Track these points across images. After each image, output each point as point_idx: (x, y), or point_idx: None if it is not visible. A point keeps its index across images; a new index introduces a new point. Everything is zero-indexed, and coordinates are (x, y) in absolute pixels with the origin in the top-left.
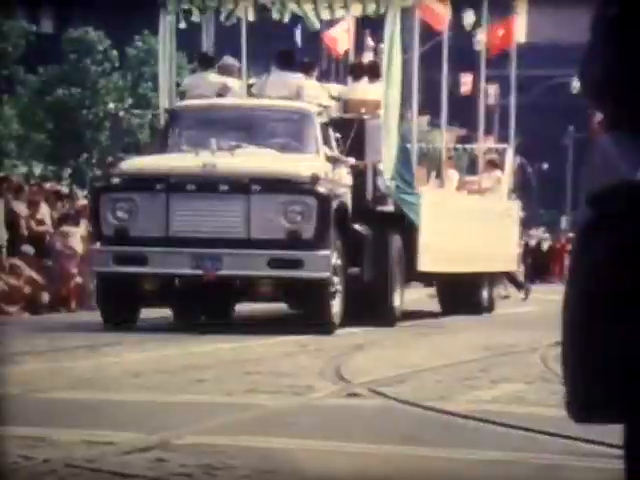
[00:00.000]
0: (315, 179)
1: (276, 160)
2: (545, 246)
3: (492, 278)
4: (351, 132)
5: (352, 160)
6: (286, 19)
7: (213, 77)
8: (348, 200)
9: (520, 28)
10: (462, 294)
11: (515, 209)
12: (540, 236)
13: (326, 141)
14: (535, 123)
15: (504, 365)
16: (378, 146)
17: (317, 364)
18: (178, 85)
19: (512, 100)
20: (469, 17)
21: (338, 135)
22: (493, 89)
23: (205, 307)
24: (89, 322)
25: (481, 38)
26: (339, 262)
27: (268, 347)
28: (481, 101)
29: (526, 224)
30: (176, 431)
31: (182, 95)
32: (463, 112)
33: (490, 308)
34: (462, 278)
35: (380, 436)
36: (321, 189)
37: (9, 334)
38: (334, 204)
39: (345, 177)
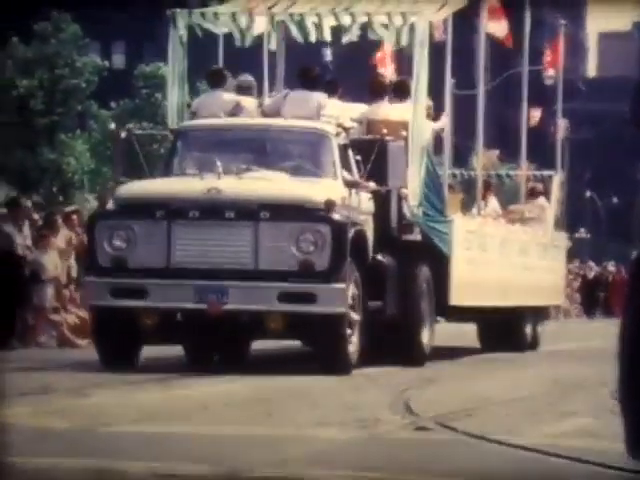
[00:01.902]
0: (330, 205)
1: (288, 184)
2: (610, 279)
3: (536, 312)
4: (372, 155)
5: (373, 185)
6: (312, 38)
7: (226, 96)
8: (369, 228)
9: (591, 62)
10: (502, 329)
11: (562, 240)
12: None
13: (345, 164)
14: (605, 157)
15: (572, 399)
16: (401, 170)
17: (385, 397)
18: (189, 106)
19: (559, 124)
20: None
21: (358, 158)
22: (562, 123)
23: (215, 345)
24: (158, 355)
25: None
26: (357, 296)
27: (336, 380)
28: (523, 126)
29: (593, 257)
30: (245, 464)
31: (193, 116)
32: (531, 146)
33: (534, 344)
34: (501, 312)
35: (448, 470)
36: (336, 216)
37: (78, 367)
38: (351, 232)
39: (366, 203)
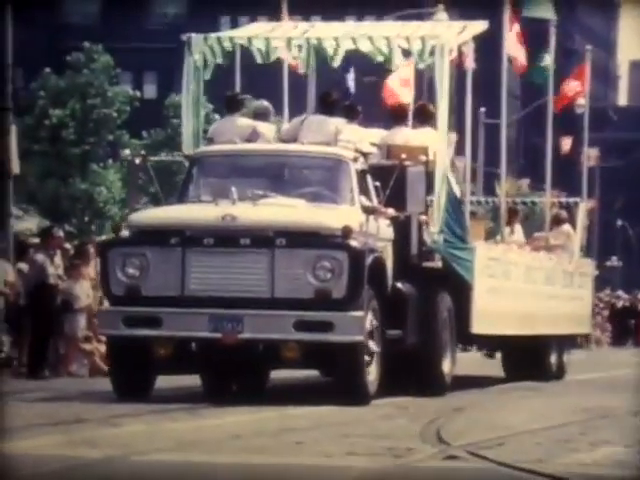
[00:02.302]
0: (347, 232)
1: (304, 211)
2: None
3: (561, 341)
4: (391, 180)
5: (392, 211)
6: (337, 62)
7: (242, 121)
8: (388, 255)
9: (622, 91)
10: (527, 359)
11: (588, 267)
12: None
13: (363, 190)
14: (636, 185)
15: (603, 428)
16: (421, 195)
17: (416, 426)
18: (205, 132)
19: (585, 152)
20: (546, 60)
21: (377, 184)
22: (594, 152)
23: (232, 374)
24: (189, 384)
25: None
26: (375, 324)
27: (366, 409)
28: (548, 154)
29: (625, 285)
30: None
31: (209, 142)
32: (562, 174)
33: (560, 374)
34: (525, 341)
35: None
36: (354, 243)
37: (109, 396)
38: (369, 259)
39: (384, 230)
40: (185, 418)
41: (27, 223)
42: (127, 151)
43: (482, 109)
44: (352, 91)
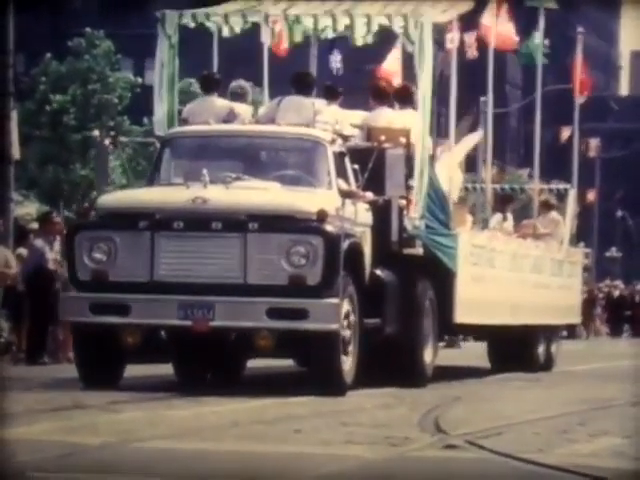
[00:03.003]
0: (322, 216)
1: (279, 194)
2: (638, 299)
3: (550, 332)
4: (369, 163)
5: (371, 195)
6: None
7: (218, 102)
8: (366, 241)
9: (623, 81)
10: (513, 349)
11: (578, 255)
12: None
13: (341, 173)
14: (637, 176)
15: (602, 419)
16: (400, 179)
17: (414, 416)
18: (180, 112)
19: (575, 136)
20: (535, 38)
21: (356, 167)
22: (594, 142)
23: (205, 363)
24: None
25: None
26: (352, 312)
27: (364, 398)
28: (537, 139)
29: (624, 276)
30: None
31: (184, 122)
32: (561, 164)
33: (548, 365)
34: (511, 331)
35: None
36: (329, 227)
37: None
38: (345, 245)
39: (363, 215)
40: (184, 406)
41: (27, 208)
42: (96, 132)
43: (483, 98)
44: (336, 72)
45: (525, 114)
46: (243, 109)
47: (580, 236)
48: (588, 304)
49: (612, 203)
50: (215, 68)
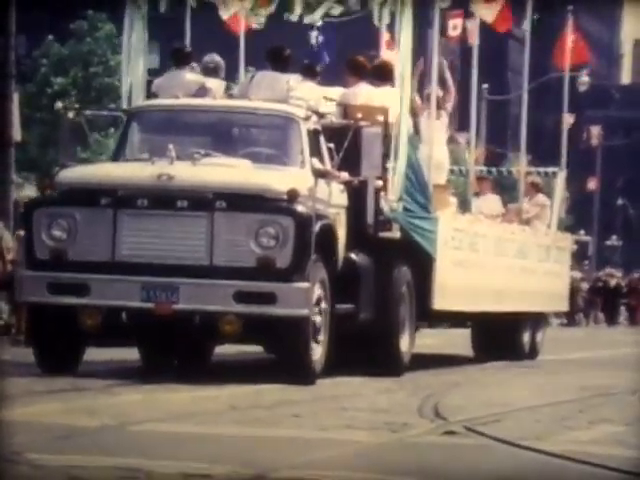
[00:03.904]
0: (293, 195)
1: (248, 172)
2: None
3: (536, 319)
4: (345, 141)
5: (346, 175)
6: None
7: (189, 76)
8: (340, 223)
9: (625, 69)
10: (497, 337)
11: (566, 241)
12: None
13: (315, 152)
14: (638, 164)
15: (602, 406)
16: (377, 158)
17: (414, 401)
18: (149, 85)
19: (565, 127)
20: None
21: (331, 145)
22: (596, 130)
23: (169, 348)
24: None
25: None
26: (324, 297)
27: (364, 383)
28: (523, 118)
29: (624, 264)
30: (272, 465)
31: (153, 97)
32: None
33: (533, 354)
34: (495, 319)
35: (476, 475)
36: (300, 207)
37: (108, 365)
38: (317, 226)
39: (337, 195)
40: (183, 389)
41: (28, 191)
42: (59, 104)
43: (485, 85)
44: (316, 50)
45: (528, 101)
46: (215, 84)
47: (581, 224)
48: (589, 293)
49: (613, 191)
50: (188, 41)
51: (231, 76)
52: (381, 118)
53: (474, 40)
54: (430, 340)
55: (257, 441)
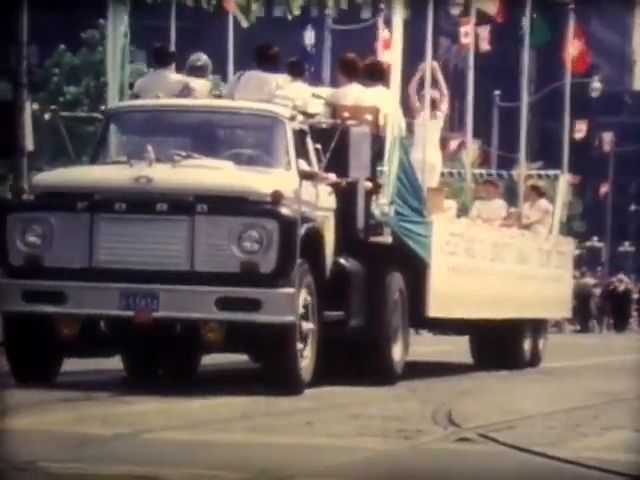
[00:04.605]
0: (277, 197)
1: (230, 174)
2: None
3: (537, 326)
4: (332, 142)
5: (333, 177)
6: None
7: (173, 76)
8: (328, 226)
9: (638, 76)
10: (497, 345)
11: (568, 246)
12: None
13: (301, 153)
14: None
15: (615, 412)
16: (366, 159)
17: (426, 408)
18: (132, 86)
19: (566, 122)
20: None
21: (318, 146)
22: (608, 136)
23: (153, 358)
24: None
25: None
26: (311, 303)
27: (376, 391)
28: (523, 119)
29: (637, 270)
30: (286, 473)
31: (135, 98)
32: (577, 159)
33: (534, 361)
34: (494, 326)
35: None
36: (285, 210)
37: (121, 374)
38: (303, 229)
39: (325, 198)
40: (196, 397)
41: None
42: (35, 105)
43: (497, 92)
44: (309, 49)
45: (540, 108)
46: (199, 84)
47: (593, 230)
48: (601, 299)
49: (625, 197)
50: (173, 41)
51: (224, 77)
52: (370, 118)
53: (485, 46)
54: (446, 346)
55: (270, 448)
